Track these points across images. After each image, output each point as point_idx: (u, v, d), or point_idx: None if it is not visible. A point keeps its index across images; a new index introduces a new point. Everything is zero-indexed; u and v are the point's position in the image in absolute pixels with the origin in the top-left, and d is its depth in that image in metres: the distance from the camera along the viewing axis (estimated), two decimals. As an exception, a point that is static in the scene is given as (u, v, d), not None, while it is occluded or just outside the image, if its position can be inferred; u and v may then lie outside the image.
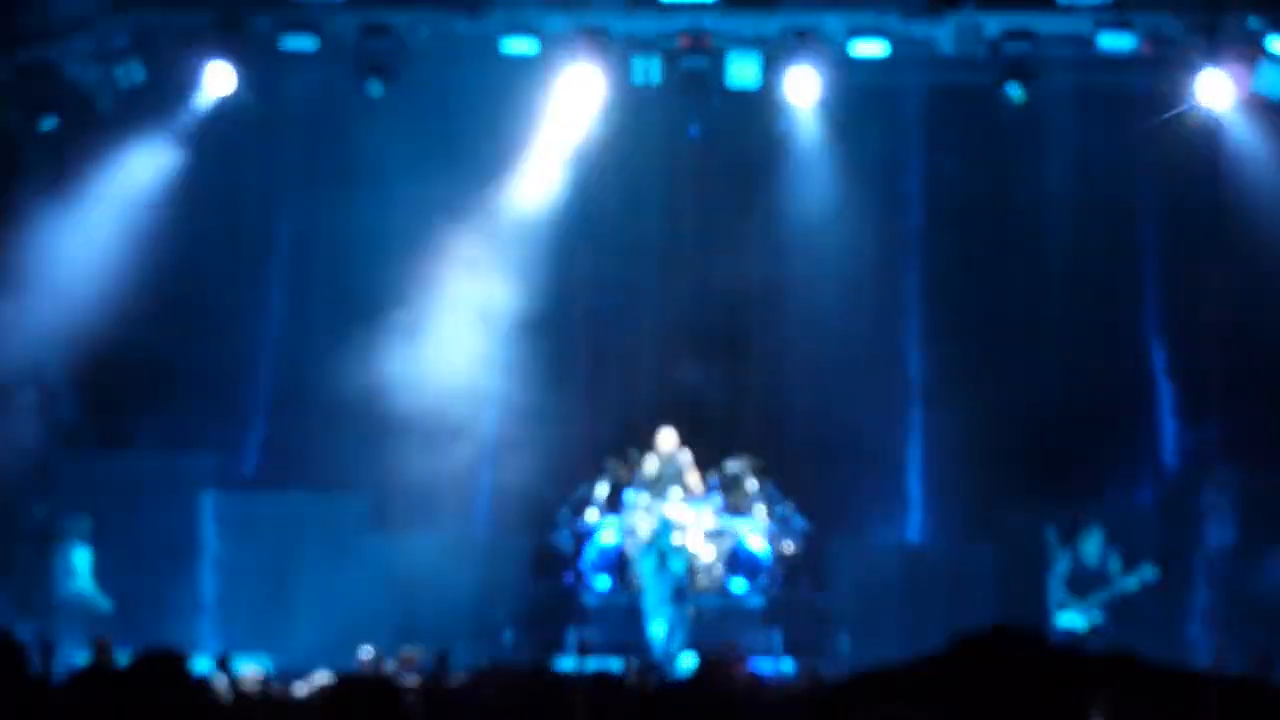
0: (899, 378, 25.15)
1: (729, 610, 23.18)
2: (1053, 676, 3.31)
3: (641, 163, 25.24)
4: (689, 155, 25.61)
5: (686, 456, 23.70)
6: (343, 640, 22.48)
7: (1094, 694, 3.34)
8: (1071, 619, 20.89)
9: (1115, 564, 20.96)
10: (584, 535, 23.65)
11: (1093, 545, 20.94)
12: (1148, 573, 20.80)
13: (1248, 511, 23.24)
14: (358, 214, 25.22)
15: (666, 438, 23.70)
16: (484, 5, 22.15)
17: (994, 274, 25.46)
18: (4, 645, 4.45)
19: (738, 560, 23.46)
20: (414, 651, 18.63)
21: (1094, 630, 20.87)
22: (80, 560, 22.52)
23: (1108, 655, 3.37)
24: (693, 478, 23.65)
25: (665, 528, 21.49)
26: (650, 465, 23.72)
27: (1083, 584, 20.83)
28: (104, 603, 22.34)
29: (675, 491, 23.42)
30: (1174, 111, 22.66)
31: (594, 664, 14.21)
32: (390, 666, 13.65)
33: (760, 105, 23.82)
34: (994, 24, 21.89)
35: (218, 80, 22.78)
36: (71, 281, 23.47)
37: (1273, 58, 21.74)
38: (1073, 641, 20.22)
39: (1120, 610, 21.67)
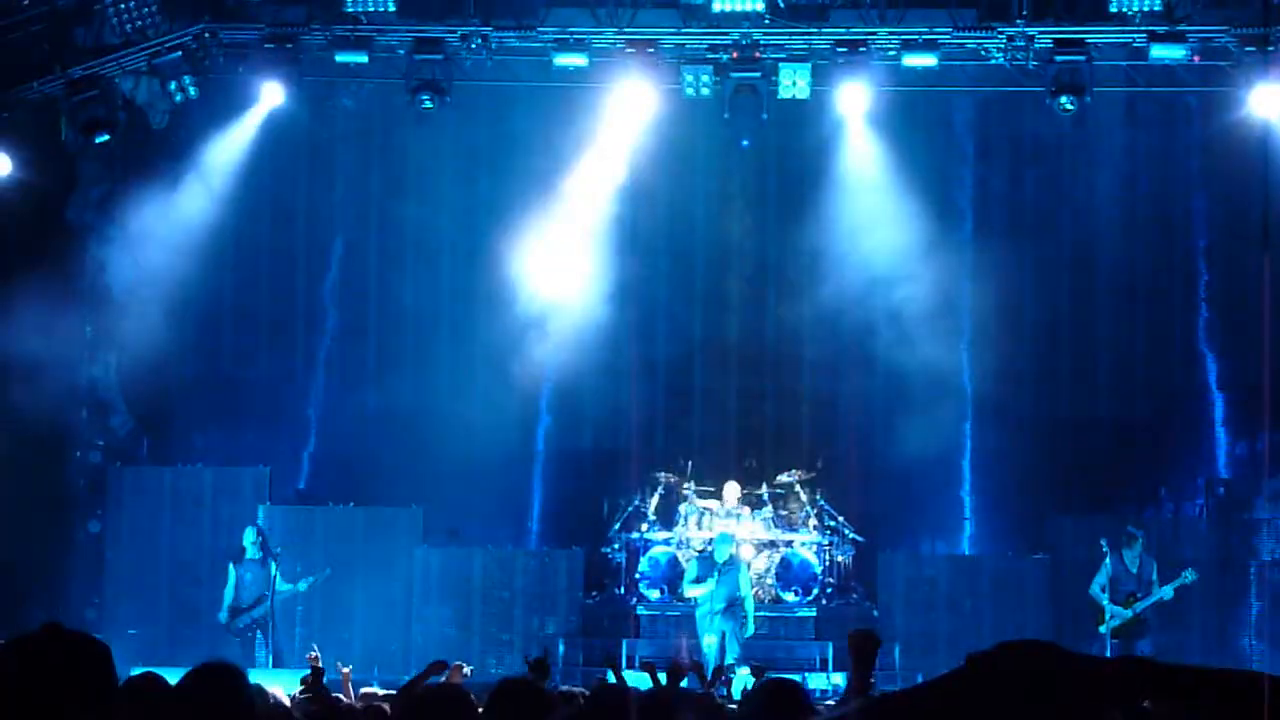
0: (950, 389, 25.09)
1: (780, 622, 23.17)
2: (1063, 689, 3.32)
3: (693, 174, 25.28)
4: (740, 167, 25.63)
5: (746, 512, 23.64)
6: (396, 653, 22.62)
7: (1107, 703, 3.35)
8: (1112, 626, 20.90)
9: (1153, 571, 20.96)
10: (636, 547, 23.65)
11: (1132, 554, 20.95)
12: (1188, 577, 20.79)
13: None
14: (410, 228, 25.33)
15: (730, 492, 23.62)
16: (534, 19, 22.21)
17: (1045, 285, 25.42)
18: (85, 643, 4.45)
19: (790, 571, 23.43)
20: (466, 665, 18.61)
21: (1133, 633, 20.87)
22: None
23: (1120, 661, 3.37)
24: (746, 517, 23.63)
25: (717, 540, 21.48)
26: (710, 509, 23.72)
27: (1123, 592, 20.81)
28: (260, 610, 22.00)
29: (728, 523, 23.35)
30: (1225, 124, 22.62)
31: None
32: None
33: (811, 117, 23.85)
34: (1045, 36, 21.85)
35: (270, 95, 22.91)
36: (125, 296, 23.63)
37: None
38: (1103, 652, 20.14)
39: (1171, 620, 21.65)
